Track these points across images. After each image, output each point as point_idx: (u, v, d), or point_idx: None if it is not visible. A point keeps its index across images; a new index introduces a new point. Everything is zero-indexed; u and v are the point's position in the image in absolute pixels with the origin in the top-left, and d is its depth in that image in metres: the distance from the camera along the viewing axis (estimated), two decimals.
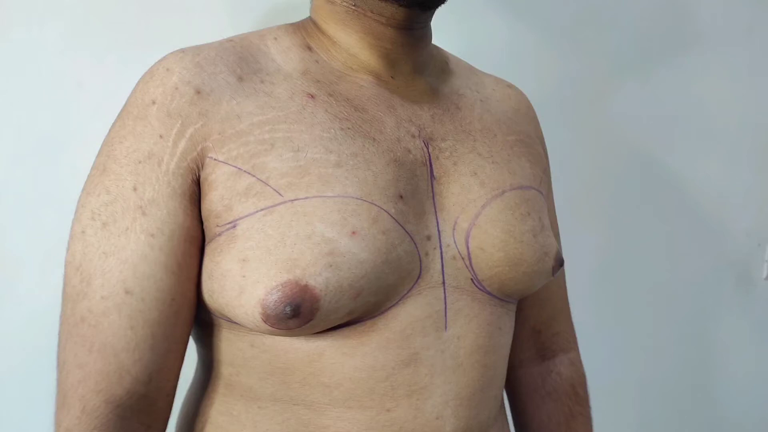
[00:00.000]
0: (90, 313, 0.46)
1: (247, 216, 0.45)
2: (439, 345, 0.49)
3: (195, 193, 0.47)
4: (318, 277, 0.43)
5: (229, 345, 0.50)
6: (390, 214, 0.47)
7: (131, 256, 0.46)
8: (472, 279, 0.51)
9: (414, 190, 0.50)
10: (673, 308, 1.15)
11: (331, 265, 0.44)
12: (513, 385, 0.69)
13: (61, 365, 0.47)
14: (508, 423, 0.61)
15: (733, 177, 1.15)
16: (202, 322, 0.50)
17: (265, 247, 0.44)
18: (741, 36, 1.10)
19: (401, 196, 0.49)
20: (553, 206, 0.66)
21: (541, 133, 0.64)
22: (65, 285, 0.48)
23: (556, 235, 0.66)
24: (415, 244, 0.49)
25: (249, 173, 0.46)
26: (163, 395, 0.49)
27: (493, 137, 0.56)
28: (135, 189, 0.46)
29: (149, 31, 0.78)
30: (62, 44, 0.76)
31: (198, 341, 0.53)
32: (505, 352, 0.55)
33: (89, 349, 0.46)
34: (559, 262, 0.55)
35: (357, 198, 0.46)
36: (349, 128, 0.49)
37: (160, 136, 0.46)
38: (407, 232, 0.48)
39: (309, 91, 0.50)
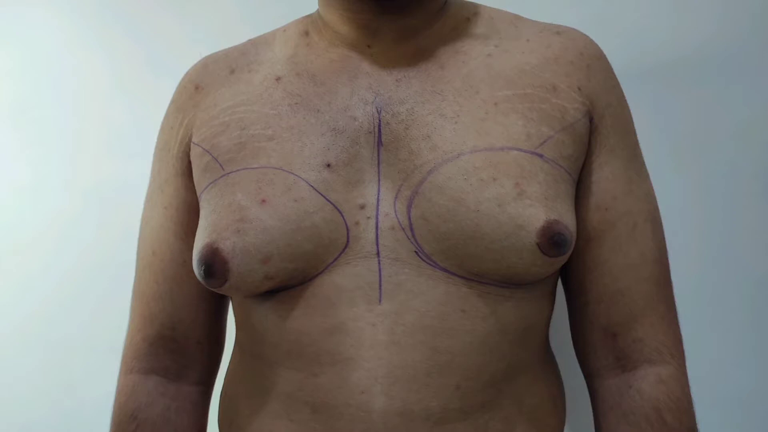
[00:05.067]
0: (137, 269, 0.59)
1: (204, 190, 0.53)
2: (370, 318, 0.47)
3: (191, 171, 0.56)
4: (227, 241, 0.47)
5: (235, 306, 0.57)
6: (308, 182, 0.48)
7: (155, 224, 0.57)
8: (416, 252, 0.48)
9: (351, 159, 0.49)
10: None
11: (238, 231, 0.47)
12: (592, 397, 0.58)
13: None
14: None
15: None
16: None
17: (205, 215, 0.51)
18: None
19: (329, 165, 0.49)
20: (627, 167, 0.53)
21: (598, 82, 0.52)
22: None
23: (634, 201, 0.53)
24: (340, 212, 0.48)
25: (208, 152, 0.53)
26: (192, 342, 0.59)
27: (473, 95, 0.50)
28: (159, 172, 0.58)
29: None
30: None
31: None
32: (482, 339, 0.48)
33: (136, 296, 0.59)
34: (552, 239, 0.46)
35: (276, 168, 0.49)
36: (297, 103, 0.52)
37: (171, 128, 0.57)
38: (329, 201, 0.48)
39: (279, 74, 0.54)
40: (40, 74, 0.89)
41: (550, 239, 0.46)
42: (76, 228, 0.87)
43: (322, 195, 0.48)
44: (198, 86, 0.57)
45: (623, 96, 0.55)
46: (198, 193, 0.54)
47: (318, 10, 0.57)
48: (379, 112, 0.50)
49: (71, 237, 0.87)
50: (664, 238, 0.55)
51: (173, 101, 0.59)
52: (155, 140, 0.60)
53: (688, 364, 0.55)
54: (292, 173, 0.49)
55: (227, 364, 0.60)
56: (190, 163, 0.56)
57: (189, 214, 0.56)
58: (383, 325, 0.47)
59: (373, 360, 0.47)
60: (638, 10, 0.79)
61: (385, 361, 0.47)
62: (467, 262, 0.47)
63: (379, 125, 0.50)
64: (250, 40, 0.60)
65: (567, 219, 0.48)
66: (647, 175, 0.55)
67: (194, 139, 0.55)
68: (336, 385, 0.48)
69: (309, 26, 0.57)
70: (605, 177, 0.53)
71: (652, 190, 0.55)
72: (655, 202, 0.55)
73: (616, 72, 0.55)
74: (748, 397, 0.78)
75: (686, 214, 0.78)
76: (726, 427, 0.76)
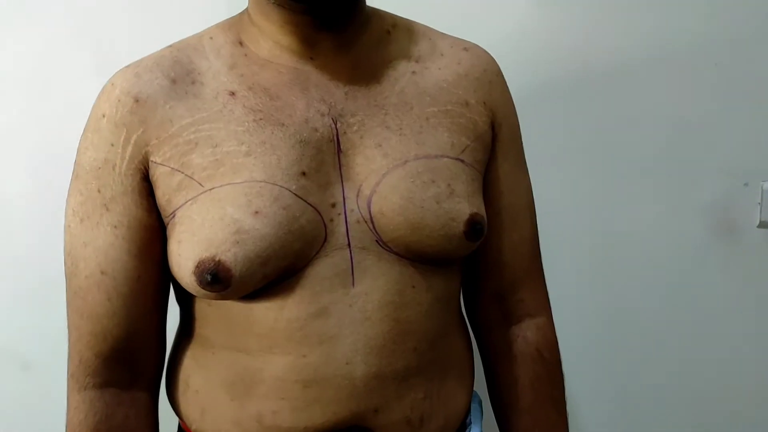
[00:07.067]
0: (79, 288, 0.58)
1: (180, 207, 0.55)
2: (347, 300, 0.56)
3: (145, 188, 0.57)
4: (228, 253, 0.52)
5: (195, 304, 0.60)
6: (291, 191, 0.54)
7: (102, 244, 0.57)
8: (377, 240, 0.57)
9: (319, 165, 0.56)
10: (640, 269, 1.02)
11: (237, 242, 0.52)
12: (484, 349, 0.73)
13: (68, 327, 0.60)
14: (467, 380, 0.66)
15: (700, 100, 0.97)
16: (180, 287, 0.59)
17: (191, 230, 0.54)
18: None
19: (304, 173, 0.55)
20: (513, 167, 0.67)
21: (497, 96, 0.64)
22: (64, 266, 0.60)
23: (518, 194, 0.67)
24: (319, 212, 0.55)
25: (179, 171, 0.55)
26: (145, 351, 0.61)
27: (408, 110, 0.59)
28: (99, 190, 0.57)
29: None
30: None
31: (178, 303, 0.64)
32: (427, 308, 0.59)
33: (81, 316, 0.58)
34: (474, 227, 0.58)
35: (261, 181, 0.54)
36: (261, 119, 0.56)
37: (112, 144, 0.56)
38: (309, 204, 0.55)
39: (231, 89, 0.57)
40: (36, 74, 0.89)
41: (473, 228, 0.58)
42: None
43: (303, 200, 0.54)
44: (137, 99, 0.55)
45: (514, 106, 0.67)
46: (170, 210, 0.56)
47: (247, 17, 0.59)
48: (335, 123, 0.57)
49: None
50: (536, 222, 0.71)
51: (105, 115, 0.56)
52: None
53: None
54: (276, 185, 0.54)
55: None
56: (142, 180, 0.56)
57: (140, 230, 0.57)
58: (357, 305, 0.56)
59: (352, 335, 0.56)
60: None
61: (362, 335, 0.56)
62: (413, 246, 0.57)
63: (337, 135, 0.57)
64: (168, 46, 0.60)
65: (482, 210, 0.61)
66: (527, 172, 0.70)
67: (155, 159, 0.55)
68: (323, 361, 0.55)
69: (241, 35, 0.59)
70: (498, 176, 0.66)
71: (530, 184, 0.70)
72: (532, 194, 0.70)
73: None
74: None
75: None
76: None
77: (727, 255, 1.03)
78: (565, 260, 0.96)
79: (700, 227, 1.02)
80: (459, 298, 0.69)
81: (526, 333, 0.70)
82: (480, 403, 0.73)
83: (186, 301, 0.62)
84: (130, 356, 0.60)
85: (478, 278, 0.70)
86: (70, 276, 0.59)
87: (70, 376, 0.59)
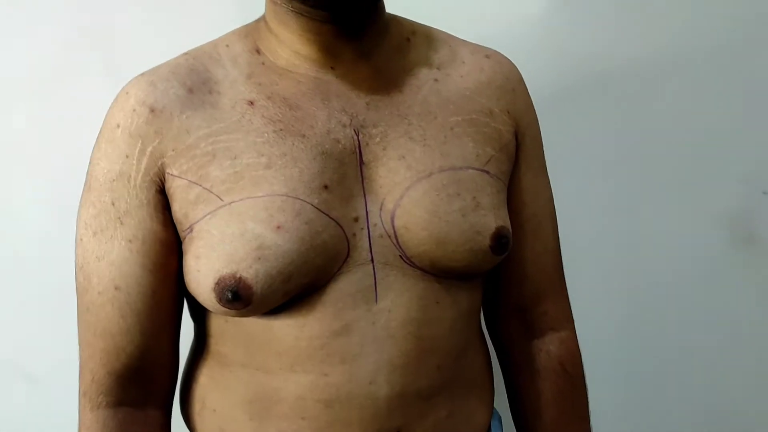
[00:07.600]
0: (92, 304, 0.56)
1: (198, 221, 0.53)
2: (370, 317, 0.54)
3: (161, 201, 0.54)
4: (249, 270, 0.50)
5: (211, 320, 0.59)
6: (313, 205, 0.52)
7: (116, 259, 0.55)
8: (401, 256, 0.55)
9: (341, 178, 0.54)
10: (656, 278, 1.00)
11: (259, 258, 0.50)
12: (506, 363, 0.71)
13: (79, 344, 0.58)
14: (488, 396, 0.65)
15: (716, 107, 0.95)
16: (195, 303, 0.58)
17: (210, 245, 0.52)
18: None
19: (326, 186, 0.53)
20: (536, 177, 0.65)
21: (521, 105, 0.63)
22: (75, 281, 0.58)
23: (540, 204, 0.65)
24: (341, 227, 0.53)
25: (197, 183, 0.53)
26: (159, 369, 0.59)
27: (432, 120, 0.57)
28: (113, 203, 0.55)
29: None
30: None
31: (193, 318, 0.62)
32: (450, 324, 0.58)
33: (93, 333, 0.56)
34: (500, 241, 0.56)
35: (282, 195, 0.52)
36: (281, 129, 0.54)
37: (126, 156, 0.54)
38: (332, 219, 0.53)
39: (249, 98, 0.55)
40: (43, 78, 0.88)
41: (498, 241, 0.57)
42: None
43: (326, 214, 0.53)
44: (153, 109, 0.53)
45: (536, 114, 0.65)
46: (187, 224, 0.54)
47: (264, 25, 0.57)
48: (357, 134, 0.55)
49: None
50: (558, 233, 0.69)
51: (120, 126, 0.54)
52: None
53: None
54: (298, 198, 0.52)
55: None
56: (158, 193, 0.54)
57: (156, 245, 0.55)
58: (380, 322, 0.54)
59: (375, 354, 0.54)
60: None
61: (386, 354, 0.54)
62: (438, 262, 0.55)
63: (359, 146, 0.55)
64: (183, 54, 0.58)
65: (507, 223, 0.59)
66: (549, 182, 0.68)
67: (171, 171, 0.53)
68: (346, 380, 0.54)
69: (258, 42, 0.57)
70: (521, 187, 0.64)
71: (552, 194, 0.69)
72: (553, 203, 0.69)
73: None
74: None
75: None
76: None
77: (746, 264, 1.01)
78: (583, 271, 0.94)
79: (718, 236, 1.00)
80: (480, 312, 0.67)
81: (549, 347, 0.68)
82: (500, 420, 0.71)
83: (201, 316, 0.60)
84: (144, 374, 0.58)
85: (500, 291, 0.68)
86: (81, 291, 0.57)
87: (83, 394, 0.57)
